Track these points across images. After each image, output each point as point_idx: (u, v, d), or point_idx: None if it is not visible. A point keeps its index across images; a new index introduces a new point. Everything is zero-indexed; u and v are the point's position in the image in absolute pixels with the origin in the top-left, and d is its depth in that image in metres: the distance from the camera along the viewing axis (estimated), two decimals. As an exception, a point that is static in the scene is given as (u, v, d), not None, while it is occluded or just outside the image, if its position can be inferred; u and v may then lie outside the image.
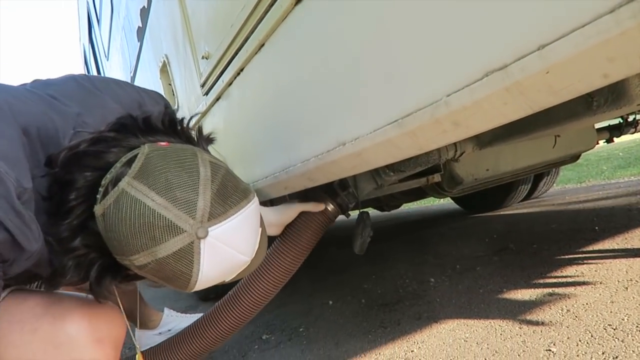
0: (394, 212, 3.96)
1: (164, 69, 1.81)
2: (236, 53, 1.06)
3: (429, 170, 1.64)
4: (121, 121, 0.75)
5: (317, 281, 2.48)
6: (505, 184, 2.94)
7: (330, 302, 2.02)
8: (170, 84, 1.78)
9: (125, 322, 1.05)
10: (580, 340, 1.18)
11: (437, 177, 1.71)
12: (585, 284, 1.55)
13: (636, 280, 1.48)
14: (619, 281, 1.51)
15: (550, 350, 1.17)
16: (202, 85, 1.33)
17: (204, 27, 1.26)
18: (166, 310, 1.73)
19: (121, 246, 0.66)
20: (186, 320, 1.64)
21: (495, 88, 0.47)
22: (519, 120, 0.53)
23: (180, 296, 2.82)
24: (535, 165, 2.04)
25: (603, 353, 1.10)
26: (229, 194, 0.69)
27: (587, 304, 1.39)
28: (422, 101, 0.57)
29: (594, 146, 2.15)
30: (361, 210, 1.26)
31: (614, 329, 1.19)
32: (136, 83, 2.25)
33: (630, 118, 2.07)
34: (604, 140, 2.22)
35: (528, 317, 1.39)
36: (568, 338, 1.21)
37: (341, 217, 1.26)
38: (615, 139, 2.21)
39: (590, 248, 1.95)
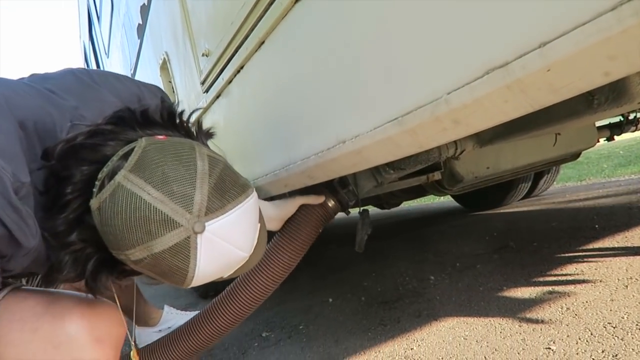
0: (394, 210, 3.97)
1: (164, 66, 1.80)
2: (236, 51, 1.06)
3: (429, 168, 1.64)
4: (119, 114, 0.74)
5: (317, 279, 2.48)
6: (505, 182, 2.93)
7: (330, 300, 2.03)
8: (170, 81, 1.78)
9: (125, 322, 1.05)
10: (579, 339, 1.18)
11: (437, 175, 1.71)
12: (585, 282, 1.55)
13: (636, 279, 1.48)
14: (618, 279, 1.51)
15: (549, 348, 1.17)
16: (202, 83, 1.33)
17: (204, 24, 1.26)
18: (166, 307, 1.74)
19: (117, 240, 0.65)
20: (186, 317, 1.64)
21: (496, 86, 0.47)
22: (520, 118, 0.53)
23: (180, 294, 2.82)
24: (535, 163, 2.04)
25: (603, 351, 1.10)
26: (227, 188, 0.68)
27: (587, 302, 1.39)
28: (423, 99, 0.57)
29: (595, 144, 2.15)
30: (363, 209, 1.26)
31: (614, 327, 1.19)
32: (136, 80, 2.24)
33: (631, 116, 2.07)
34: (605, 139, 2.22)
35: (528, 315, 1.39)
36: (568, 336, 1.21)
37: (341, 216, 1.26)
38: (615, 137, 2.21)
39: (591, 246, 1.95)
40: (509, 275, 1.80)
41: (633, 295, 1.36)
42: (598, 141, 2.18)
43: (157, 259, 0.64)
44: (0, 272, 0.70)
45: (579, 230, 2.24)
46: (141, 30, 2.08)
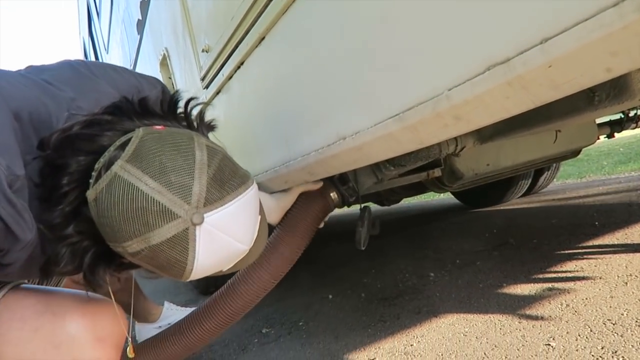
0: (394, 206, 3.97)
1: (164, 62, 1.80)
2: (236, 46, 1.05)
3: (429, 165, 1.64)
4: (116, 104, 0.73)
5: (316, 275, 2.48)
6: (505, 178, 2.93)
7: (330, 296, 2.03)
8: (170, 78, 1.77)
9: (126, 321, 1.05)
10: (579, 335, 1.19)
11: (437, 172, 1.70)
12: (585, 279, 1.55)
13: (636, 276, 1.48)
14: (618, 276, 1.51)
15: (549, 344, 1.17)
16: (202, 79, 1.33)
17: (204, 20, 1.26)
18: (166, 304, 1.74)
19: (114, 232, 0.63)
20: (186, 313, 1.64)
21: (497, 82, 0.46)
22: (520, 114, 0.53)
23: (180, 290, 2.82)
24: (535, 160, 2.04)
25: (602, 348, 1.10)
26: (227, 179, 0.67)
27: (586, 299, 1.39)
28: (424, 95, 0.57)
29: (595, 141, 2.14)
30: (363, 206, 1.25)
31: (613, 324, 1.20)
32: (136, 76, 2.24)
33: (632, 113, 2.07)
34: (605, 136, 2.22)
35: (527, 312, 1.40)
36: (567, 333, 1.21)
37: (341, 213, 1.26)
38: (616, 134, 2.21)
39: (590, 243, 1.96)
40: (509, 272, 1.80)
41: (633, 292, 1.36)
42: (598, 138, 2.17)
43: (155, 251, 0.63)
44: None
45: (579, 227, 2.24)
46: (141, 26, 2.08)
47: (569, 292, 1.47)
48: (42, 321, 0.90)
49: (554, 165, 3.29)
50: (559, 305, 1.39)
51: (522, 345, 1.21)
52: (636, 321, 1.18)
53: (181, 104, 0.79)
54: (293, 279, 2.35)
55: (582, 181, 4.12)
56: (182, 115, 0.78)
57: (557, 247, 2.00)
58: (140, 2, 1.95)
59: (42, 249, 0.74)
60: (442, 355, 1.26)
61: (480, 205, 3.59)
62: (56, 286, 1.17)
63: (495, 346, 1.24)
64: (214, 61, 1.20)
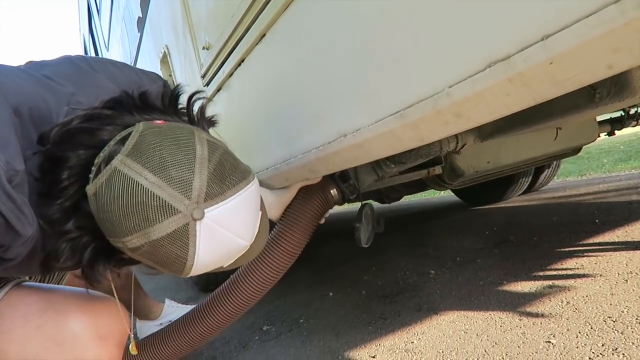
0: (394, 204, 3.97)
1: (165, 60, 1.80)
2: (237, 44, 1.05)
3: (430, 163, 1.64)
4: (116, 98, 0.72)
5: (317, 273, 2.48)
6: (506, 176, 2.93)
7: (331, 294, 2.03)
8: (171, 75, 1.77)
9: (129, 319, 1.05)
10: (580, 333, 1.19)
11: (438, 170, 1.70)
12: (586, 277, 1.55)
13: (636, 273, 1.48)
14: (619, 274, 1.51)
15: (550, 342, 1.18)
16: (203, 77, 1.33)
17: (205, 17, 1.26)
18: (167, 301, 1.74)
19: (114, 227, 0.63)
20: (187, 311, 1.64)
21: (498, 79, 0.46)
22: (521, 112, 0.53)
23: (181, 287, 2.83)
24: (536, 158, 2.03)
25: (603, 345, 1.10)
26: (228, 174, 0.66)
27: (587, 296, 1.39)
28: (424, 93, 0.57)
29: (596, 139, 2.14)
30: (364, 203, 1.25)
31: (614, 322, 1.20)
32: (137, 74, 2.24)
33: (633, 111, 2.07)
34: (606, 134, 2.22)
35: (528, 310, 1.40)
36: (568, 330, 1.21)
37: (341, 210, 1.26)
38: (616, 132, 2.21)
39: (591, 241, 1.96)
40: (510, 270, 1.80)
41: (633, 290, 1.36)
42: (599, 136, 2.17)
43: (155, 246, 0.63)
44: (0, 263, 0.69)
45: (580, 225, 2.24)
46: (141, 23, 2.08)
47: (569, 290, 1.47)
48: (45, 319, 0.90)
49: (555, 163, 3.29)
50: (560, 303, 1.39)
51: (523, 343, 1.21)
52: (637, 319, 1.18)
53: (183, 98, 0.79)
54: (294, 277, 2.35)
55: (583, 179, 4.11)
56: (184, 110, 0.78)
57: (557, 244, 2.01)
58: (141, 0, 1.95)
59: (43, 245, 0.74)
60: (442, 352, 1.26)
61: (481, 203, 3.59)
62: (58, 284, 1.18)
63: (496, 344, 1.24)
64: (214, 59, 1.20)
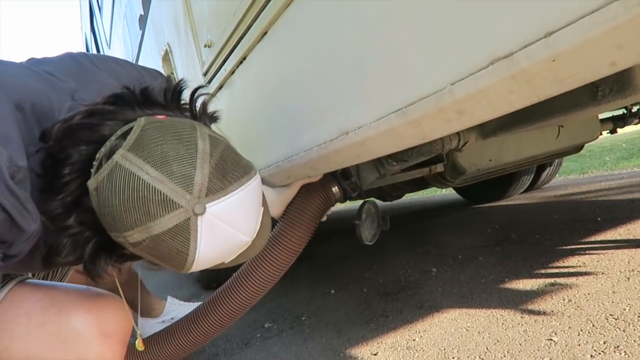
0: (395, 202, 3.97)
1: (166, 58, 1.80)
2: (239, 41, 1.05)
3: (431, 160, 1.64)
4: (117, 94, 0.72)
5: (318, 271, 2.48)
6: (507, 174, 2.93)
7: (332, 291, 2.03)
8: (172, 73, 1.77)
9: (131, 316, 1.05)
10: (581, 330, 1.19)
11: (439, 167, 1.70)
12: (587, 274, 1.55)
13: (638, 271, 1.48)
14: (620, 271, 1.51)
15: (551, 339, 1.18)
16: (205, 74, 1.33)
17: (207, 15, 1.26)
18: (169, 298, 1.75)
19: (115, 222, 0.63)
20: (189, 308, 1.64)
21: (501, 76, 0.46)
22: (523, 109, 0.53)
23: (183, 284, 2.83)
24: (538, 155, 2.03)
25: (604, 342, 1.10)
26: (229, 169, 0.66)
27: (588, 294, 1.39)
28: (427, 90, 0.57)
29: (598, 137, 2.14)
30: (366, 200, 1.25)
31: (616, 319, 1.20)
32: (138, 72, 2.24)
33: (635, 109, 2.06)
34: (608, 131, 2.21)
35: (530, 307, 1.40)
36: (569, 327, 1.21)
37: (342, 208, 1.26)
38: (618, 129, 2.20)
39: (593, 239, 1.96)
40: (511, 268, 1.80)
41: (635, 287, 1.36)
42: (601, 134, 2.17)
43: (156, 241, 0.63)
44: (3, 259, 0.69)
45: (581, 223, 2.24)
46: (143, 21, 2.08)
47: (571, 287, 1.47)
48: (48, 316, 0.90)
49: (557, 161, 3.29)
50: (561, 300, 1.39)
51: (524, 340, 1.21)
52: (638, 316, 1.18)
53: (185, 93, 0.79)
54: (295, 274, 2.36)
55: (585, 177, 4.11)
56: (186, 106, 0.78)
57: (559, 242, 2.00)
58: (142, -3, 1.95)
59: (45, 240, 0.74)
60: (444, 349, 1.27)
61: (482, 200, 3.59)
62: (61, 281, 1.18)
63: (497, 341, 1.24)
64: (216, 56, 1.20)
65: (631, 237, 1.86)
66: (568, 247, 1.91)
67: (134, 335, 1.09)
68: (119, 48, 2.94)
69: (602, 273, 1.53)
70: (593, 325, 1.20)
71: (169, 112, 0.74)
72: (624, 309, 1.24)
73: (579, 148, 2.34)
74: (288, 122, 0.97)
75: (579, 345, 1.12)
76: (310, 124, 0.88)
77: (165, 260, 0.67)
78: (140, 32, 2.18)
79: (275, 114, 1.02)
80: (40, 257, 0.77)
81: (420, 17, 0.55)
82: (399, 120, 0.63)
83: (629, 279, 1.44)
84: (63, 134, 0.67)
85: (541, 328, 1.25)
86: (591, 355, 1.06)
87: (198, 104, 0.80)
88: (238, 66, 1.12)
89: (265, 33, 0.94)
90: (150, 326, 1.60)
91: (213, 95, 1.31)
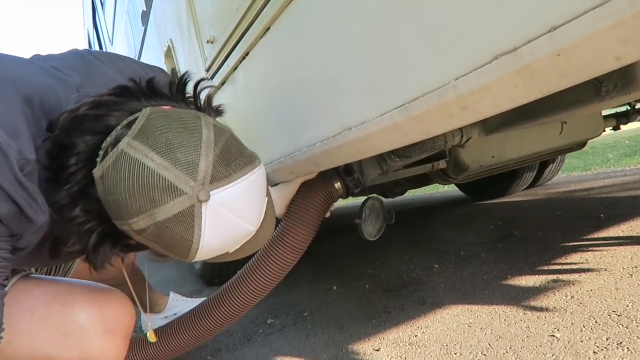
0: (398, 199, 3.97)
1: (169, 54, 1.80)
2: (241, 37, 1.05)
3: (434, 157, 1.64)
4: (123, 85, 0.73)
5: (320, 267, 2.49)
6: (510, 171, 2.92)
7: (335, 288, 2.04)
8: (175, 69, 1.77)
9: (135, 311, 1.06)
10: (584, 327, 1.19)
11: (442, 164, 1.70)
12: (590, 271, 1.55)
13: (641, 268, 1.47)
14: (624, 268, 1.51)
15: (554, 336, 1.18)
16: (207, 70, 1.33)
17: (209, 11, 1.26)
18: (172, 294, 1.75)
19: (120, 209, 0.64)
20: (192, 304, 1.65)
21: (505, 71, 0.46)
22: (527, 105, 0.53)
23: (185, 281, 2.84)
24: (541, 152, 2.03)
25: (607, 339, 1.10)
26: (234, 158, 0.67)
27: (591, 290, 1.39)
28: (430, 85, 0.57)
29: (601, 134, 2.13)
30: (367, 198, 1.25)
31: (619, 316, 1.20)
32: (141, 68, 2.24)
33: (638, 105, 2.05)
34: (611, 128, 2.20)
35: (532, 304, 1.40)
36: (572, 324, 1.21)
37: (344, 205, 1.26)
38: (622, 126, 2.19)
39: (596, 236, 1.95)
40: (514, 264, 1.80)
41: (638, 284, 1.36)
42: (604, 130, 2.16)
43: (161, 228, 0.63)
44: (12, 252, 0.70)
45: (584, 220, 2.24)
46: (145, 17, 2.08)
47: (574, 284, 1.47)
48: (51, 311, 0.90)
49: (560, 157, 3.28)
50: (564, 297, 1.39)
51: (527, 337, 1.21)
52: (641, 313, 1.18)
53: (190, 86, 0.79)
54: (297, 271, 2.35)
55: (588, 174, 4.10)
56: (191, 99, 0.78)
57: (562, 239, 2.00)
58: (145, -6, 1.95)
59: (52, 232, 0.75)
60: (446, 346, 1.27)
61: (485, 197, 3.58)
62: (65, 276, 1.19)
63: (500, 337, 1.24)
64: (219, 52, 1.20)
65: (634, 234, 1.86)
66: (571, 244, 1.91)
67: (136, 331, 1.09)
68: (121, 44, 2.94)
69: (605, 270, 1.53)
70: (596, 322, 1.20)
71: (175, 104, 0.74)
72: (627, 306, 1.24)
73: (582, 145, 2.33)
74: (291, 118, 0.97)
75: (581, 341, 1.12)
76: (313, 120, 0.88)
77: (169, 249, 0.68)
78: (143, 28, 2.18)
79: (278, 110, 1.02)
80: (47, 250, 0.78)
81: (424, 12, 0.55)
82: (402, 116, 0.63)
83: (632, 275, 1.43)
84: (70, 124, 0.68)
85: (544, 325, 1.25)
86: (594, 352, 1.06)
87: (203, 97, 0.80)
88: (241, 62, 1.12)
89: (268, 29, 0.94)
90: (153, 322, 1.60)
91: (218, 88, 1.31)
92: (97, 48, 4.04)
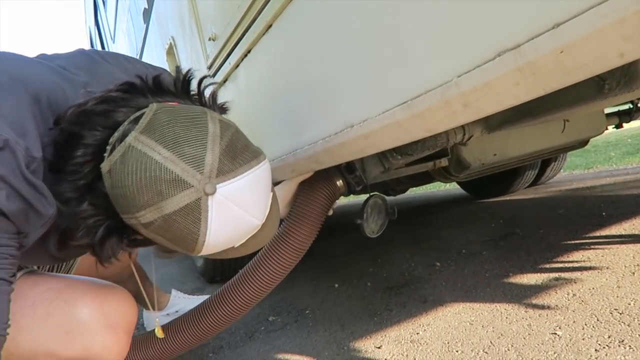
0: (399, 196, 3.97)
1: (171, 51, 1.80)
2: (243, 34, 1.05)
3: (436, 155, 1.64)
4: (130, 82, 0.74)
5: (322, 265, 2.49)
6: (512, 169, 2.92)
7: (336, 285, 2.04)
8: (178, 65, 1.77)
9: (137, 308, 1.06)
10: (586, 324, 1.19)
11: (444, 162, 1.70)
12: (592, 269, 1.55)
13: (643, 266, 1.47)
14: (625, 266, 1.51)
15: (555, 333, 1.18)
16: (209, 68, 1.33)
17: (211, 8, 1.25)
18: (173, 291, 1.75)
19: (127, 203, 0.64)
20: (193, 301, 1.65)
21: (508, 68, 0.46)
22: (529, 102, 0.53)
23: (187, 278, 2.84)
24: (543, 150, 2.02)
25: (609, 337, 1.10)
26: (239, 151, 0.68)
27: (593, 288, 1.39)
28: (432, 82, 0.56)
29: (603, 131, 2.13)
30: (368, 196, 1.25)
31: (620, 314, 1.20)
32: (142, 66, 2.24)
33: (641, 103, 2.05)
34: (613, 126, 2.20)
35: (534, 301, 1.40)
36: (574, 322, 1.21)
37: (345, 202, 1.26)
38: (624, 124, 2.19)
39: (597, 234, 1.95)
40: (515, 262, 1.80)
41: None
42: (606, 128, 2.15)
43: (168, 221, 0.64)
44: (19, 249, 0.71)
45: (586, 218, 2.23)
46: (147, 14, 2.08)
47: (575, 282, 1.47)
48: (54, 307, 0.91)
49: (561, 155, 3.27)
50: (566, 295, 1.39)
51: (529, 334, 1.21)
52: (643, 311, 1.18)
53: (194, 83, 0.80)
54: (299, 268, 2.35)
55: (590, 172, 4.09)
56: (196, 96, 0.79)
57: (563, 237, 2.00)
58: (147, -9, 1.95)
59: (57, 227, 0.76)
60: (448, 343, 1.27)
61: (487, 195, 3.58)
62: (67, 273, 1.19)
63: (501, 335, 1.24)
64: (220, 49, 1.20)
65: (636, 232, 1.86)
66: (573, 241, 1.91)
67: (138, 328, 1.09)
68: (123, 42, 2.94)
69: (607, 268, 1.53)
70: (597, 320, 1.19)
71: (180, 100, 0.76)
72: (629, 304, 1.24)
73: (584, 143, 2.32)
74: (292, 115, 0.97)
75: (583, 339, 1.12)
76: (315, 117, 0.88)
77: (176, 242, 0.68)
78: (145, 25, 2.18)
79: (279, 108, 1.02)
80: (50, 244, 0.79)
81: (425, 8, 0.55)
82: (404, 114, 0.63)
83: (633, 273, 1.43)
84: (77, 117, 0.69)
85: (545, 322, 1.25)
86: (595, 350, 1.06)
87: (207, 93, 0.81)
88: (242, 59, 1.12)
89: (270, 26, 0.94)
90: (155, 319, 1.61)
91: (220, 85, 1.31)
92: (98, 45, 4.04)
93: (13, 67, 0.77)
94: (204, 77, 0.81)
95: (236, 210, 0.66)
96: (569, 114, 1.61)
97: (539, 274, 1.61)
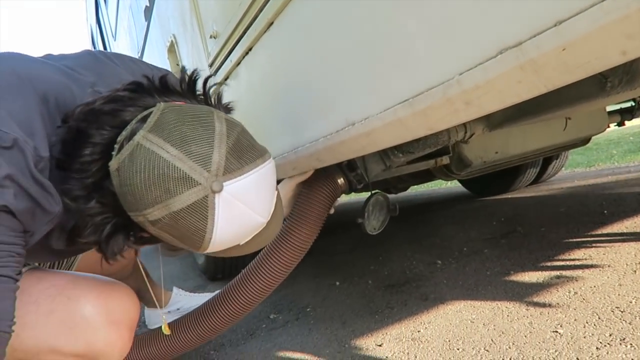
0: (401, 194, 3.97)
1: (172, 49, 1.80)
2: (244, 32, 1.05)
3: (437, 153, 1.63)
4: (137, 82, 0.75)
5: (323, 262, 2.49)
6: (513, 167, 2.91)
7: (337, 283, 2.04)
8: (178, 64, 1.77)
9: (139, 304, 1.07)
10: (587, 322, 1.19)
11: (445, 160, 1.70)
12: (593, 267, 1.55)
13: (645, 264, 1.47)
14: (627, 264, 1.51)
15: (557, 331, 1.18)
16: (210, 65, 1.33)
17: (212, 5, 1.25)
18: (175, 289, 1.76)
19: (135, 200, 0.65)
20: (195, 299, 1.66)
21: (509, 66, 0.46)
22: (531, 100, 0.53)
23: (188, 276, 2.85)
24: (544, 148, 2.02)
25: (610, 335, 1.10)
26: (245, 150, 0.69)
27: (594, 286, 1.39)
28: (434, 80, 0.56)
29: (605, 129, 2.12)
30: (370, 194, 1.25)
31: (622, 312, 1.20)
32: (144, 63, 2.23)
33: (643, 101, 2.04)
34: (615, 124, 2.19)
35: (535, 299, 1.40)
36: (575, 320, 1.21)
37: (349, 201, 1.26)
38: (626, 122, 2.18)
39: (599, 232, 1.95)
40: (516, 260, 1.80)
41: (641, 280, 1.36)
42: (608, 126, 2.15)
43: (175, 218, 0.65)
44: (24, 246, 0.72)
45: (588, 216, 2.23)
46: (148, 12, 2.07)
47: (577, 280, 1.47)
48: (57, 304, 0.91)
49: (563, 153, 3.26)
50: (567, 293, 1.39)
51: (530, 332, 1.21)
52: (644, 309, 1.18)
53: (199, 83, 0.81)
54: (300, 266, 2.35)
55: (591, 170, 4.09)
56: (201, 96, 0.80)
57: (565, 235, 2.00)
58: (148, -12, 1.95)
59: (62, 225, 0.77)
60: (449, 341, 1.27)
61: (488, 193, 3.57)
62: (69, 270, 1.19)
63: (502, 333, 1.24)
64: (222, 47, 1.20)
65: (638, 230, 1.85)
66: (574, 240, 1.91)
67: (139, 326, 1.10)
68: (124, 40, 2.94)
69: (609, 266, 1.53)
70: (599, 318, 1.19)
71: (186, 100, 0.76)
72: (630, 302, 1.24)
73: (586, 141, 2.32)
74: (294, 113, 0.97)
75: (584, 337, 1.12)
76: (316, 115, 0.88)
77: (183, 240, 0.69)
78: (146, 23, 2.17)
79: (280, 105, 1.02)
80: (53, 241, 0.80)
81: (428, 6, 0.55)
82: (406, 111, 0.63)
83: (635, 271, 1.43)
84: (85, 115, 0.70)
85: (547, 320, 1.25)
86: (597, 348, 1.06)
87: (212, 93, 0.82)
88: (244, 57, 1.12)
89: (271, 24, 0.94)
90: (157, 316, 1.61)
91: (221, 84, 1.31)
92: (100, 43, 4.04)
93: (21, 67, 0.78)
94: (209, 77, 0.82)
95: (242, 208, 0.67)
96: (571, 112, 1.60)
97: (540, 272, 1.61)
